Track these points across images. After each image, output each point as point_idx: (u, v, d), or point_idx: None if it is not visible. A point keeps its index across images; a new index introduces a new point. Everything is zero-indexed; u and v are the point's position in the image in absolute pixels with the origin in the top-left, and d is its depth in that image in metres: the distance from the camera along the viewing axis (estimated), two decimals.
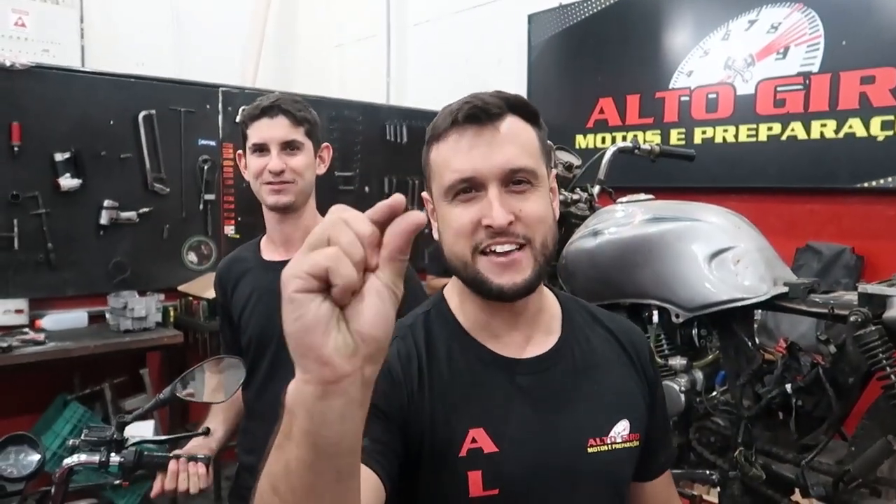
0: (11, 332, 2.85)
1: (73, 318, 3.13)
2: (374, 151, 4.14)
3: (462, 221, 0.83)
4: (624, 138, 3.24)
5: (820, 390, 1.51)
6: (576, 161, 2.15)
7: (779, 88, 2.89)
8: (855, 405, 1.52)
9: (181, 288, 3.40)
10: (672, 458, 1.05)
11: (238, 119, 3.70)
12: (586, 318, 0.98)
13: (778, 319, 2.49)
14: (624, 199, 1.90)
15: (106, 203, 3.16)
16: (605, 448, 0.88)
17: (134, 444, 1.27)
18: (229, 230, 3.61)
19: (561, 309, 0.96)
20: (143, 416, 1.33)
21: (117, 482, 1.29)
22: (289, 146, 1.43)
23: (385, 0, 4.76)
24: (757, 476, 1.57)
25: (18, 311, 2.95)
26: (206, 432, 1.43)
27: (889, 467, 1.41)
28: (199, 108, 3.49)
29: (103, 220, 3.16)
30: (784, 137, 2.88)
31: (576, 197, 2.06)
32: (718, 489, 1.69)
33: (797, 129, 2.84)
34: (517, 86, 3.83)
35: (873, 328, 1.39)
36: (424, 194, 0.93)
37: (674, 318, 1.70)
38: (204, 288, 3.29)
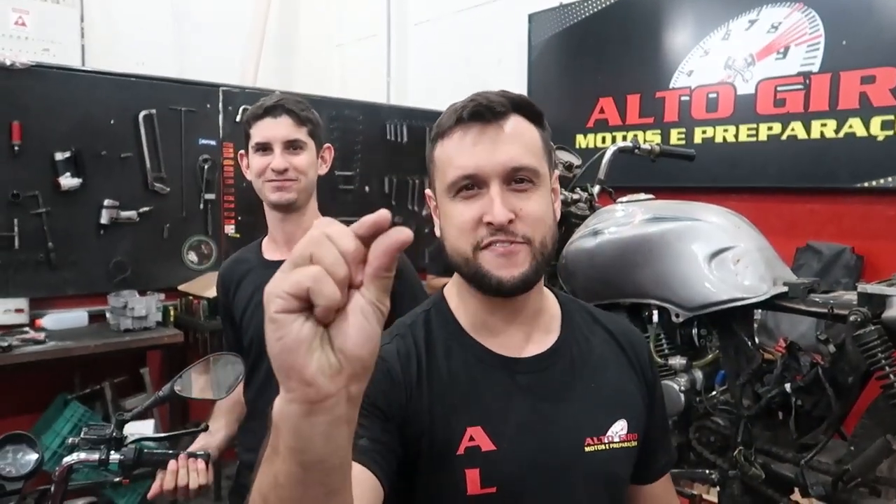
0: (12, 331, 2.85)
1: (74, 317, 3.13)
2: (375, 151, 4.14)
3: (464, 218, 0.84)
4: (624, 138, 3.24)
5: (819, 390, 1.51)
6: (576, 161, 2.15)
7: (779, 88, 2.89)
8: (854, 405, 1.52)
9: (181, 287, 3.40)
10: (672, 461, 1.05)
11: (239, 119, 3.71)
12: (586, 319, 0.98)
13: (778, 319, 2.49)
14: (624, 198, 1.90)
15: (106, 202, 3.16)
16: (602, 447, 0.88)
17: (133, 442, 1.28)
18: (229, 230, 3.61)
19: (561, 309, 0.96)
20: (142, 414, 1.33)
21: (117, 480, 1.29)
22: (292, 145, 1.44)
23: (385, 0, 4.76)
24: (756, 475, 1.57)
25: (19, 311, 2.95)
26: (205, 429, 1.43)
27: (888, 467, 1.41)
28: (199, 107, 3.49)
29: (103, 220, 3.16)
30: (784, 137, 2.88)
31: (576, 196, 2.06)
32: (718, 489, 1.69)
33: (797, 128, 2.84)
34: (517, 85, 3.82)
35: (873, 328, 1.38)
36: (427, 191, 0.94)
37: (674, 318, 1.70)
38: (204, 287, 3.29)
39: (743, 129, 3.02)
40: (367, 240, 0.45)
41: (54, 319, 3.04)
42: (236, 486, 1.61)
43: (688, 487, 1.92)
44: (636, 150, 2.11)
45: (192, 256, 3.52)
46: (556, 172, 0.93)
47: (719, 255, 1.65)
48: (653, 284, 1.72)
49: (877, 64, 2.61)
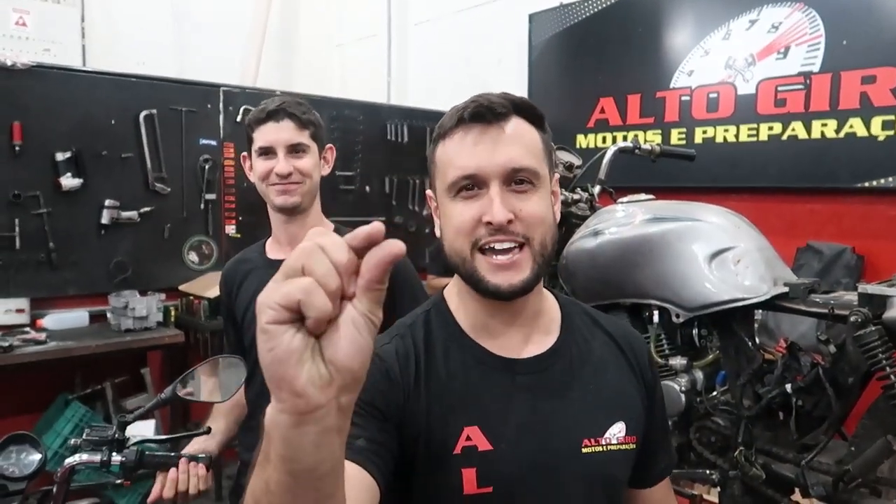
0: (13, 331, 2.86)
1: (75, 317, 3.13)
2: (375, 151, 4.14)
3: (463, 218, 0.84)
4: (624, 138, 3.24)
5: (820, 390, 1.51)
6: (576, 161, 2.15)
7: (779, 88, 2.89)
8: (855, 405, 1.52)
9: (182, 287, 3.40)
10: (672, 465, 1.06)
11: (239, 119, 3.71)
12: (586, 321, 0.98)
13: (778, 319, 2.50)
14: (624, 198, 1.90)
15: (107, 202, 3.16)
16: (599, 449, 0.89)
17: (135, 444, 1.28)
18: (230, 230, 3.61)
19: (561, 311, 0.97)
20: (144, 416, 1.33)
21: (119, 482, 1.29)
22: (295, 149, 1.45)
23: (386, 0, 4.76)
24: (757, 476, 1.57)
25: (20, 311, 2.96)
26: (208, 432, 1.43)
27: (889, 467, 1.41)
28: (200, 107, 3.49)
29: (104, 220, 3.16)
30: (785, 137, 2.88)
31: (576, 197, 2.06)
32: (718, 489, 1.69)
33: (798, 128, 2.84)
34: (518, 85, 3.83)
35: (873, 328, 1.39)
36: (428, 192, 0.94)
37: (674, 318, 1.70)
38: (205, 287, 3.29)
39: (743, 129, 3.02)
40: (360, 251, 0.45)
41: (55, 319, 3.04)
42: (237, 487, 1.61)
43: (688, 488, 1.92)
44: (636, 151, 2.12)
45: (193, 256, 3.52)
46: (557, 175, 0.93)
47: (720, 255, 1.66)
48: (653, 285, 1.72)
49: (877, 64, 2.61)
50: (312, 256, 0.44)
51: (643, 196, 1.87)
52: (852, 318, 1.41)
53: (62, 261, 3.06)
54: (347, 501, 0.57)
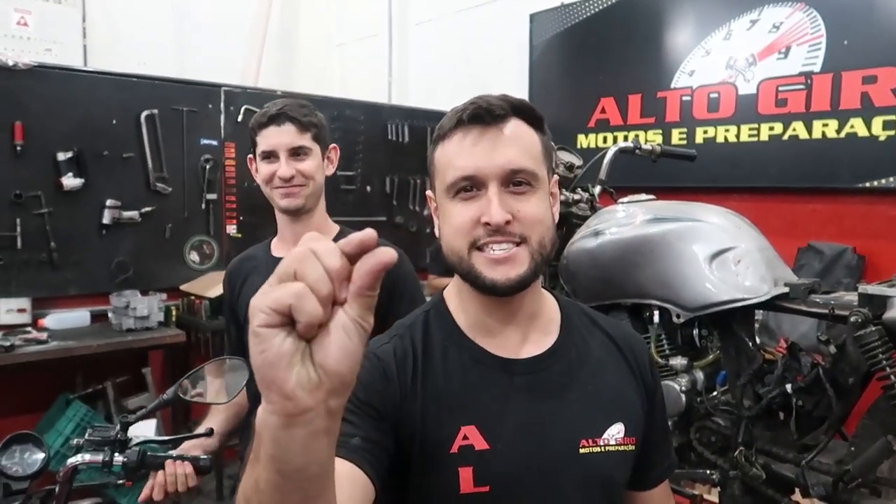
0: (14, 331, 2.86)
1: (76, 317, 3.13)
2: (376, 151, 4.14)
3: (462, 218, 0.85)
4: (625, 138, 3.25)
5: (820, 390, 1.52)
6: (577, 161, 2.15)
7: (780, 88, 2.89)
8: (855, 405, 1.52)
9: (183, 287, 3.41)
10: (672, 468, 1.05)
11: (240, 119, 3.72)
12: (585, 322, 0.99)
13: (779, 319, 2.50)
14: (625, 199, 1.90)
15: (108, 202, 3.17)
16: (597, 449, 0.89)
17: (137, 444, 1.28)
18: (231, 229, 3.62)
19: (560, 312, 0.97)
20: (146, 417, 1.34)
21: (120, 482, 1.30)
22: (297, 152, 1.47)
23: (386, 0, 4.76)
24: (757, 476, 1.57)
25: (21, 311, 2.96)
26: (210, 433, 1.44)
27: (889, 467, 1.41)
28: (201, 107, 3.49)
29: (106, 220, 3.17)
30: (786, 137, 2.88)
31: (577, 197, 2.06)
32: (719, 489, 1.69)
33: (799, 128, 2.84)
34: (518, 85, 3.83)
35: (873, 329, 1.39)
36: (428, 192, 0.95)
37: (675, 318, 1.70)
38: (206, 287, 3.30)
39: (744, 129, 3.02)
40: (353, 257, 0.46)
41: (56, 319, 3.05)
42: (238, 485, 1.61)
43: (689, 487, 1.92)
44: (637, 151, 2.12)
45: (194, 256, 3.52)
46: (556, 177, 0.94)
47: (720, 255, 1.66)
48: (654, 285, 1.72)
49: (878, 64, 2.61)
50: (305, 262, 0.45)
51: (644, 196, 1.88)
52: (852, 319, 1.41)
53: (63, 260, 3.07)
54: (342, 499, 0.58)
